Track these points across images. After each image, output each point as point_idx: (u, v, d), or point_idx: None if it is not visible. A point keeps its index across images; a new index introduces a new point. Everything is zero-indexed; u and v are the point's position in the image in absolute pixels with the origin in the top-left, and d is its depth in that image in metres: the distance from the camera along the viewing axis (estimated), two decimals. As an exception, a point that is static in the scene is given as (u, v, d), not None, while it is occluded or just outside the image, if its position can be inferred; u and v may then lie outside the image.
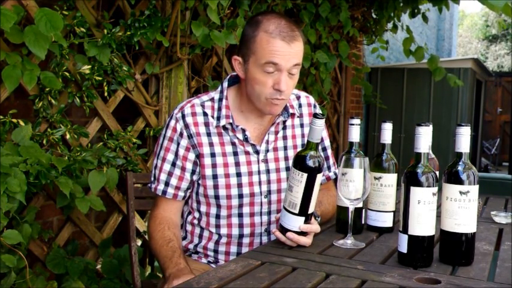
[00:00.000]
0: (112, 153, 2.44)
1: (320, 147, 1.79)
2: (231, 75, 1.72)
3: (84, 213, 2.41)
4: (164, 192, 1.66)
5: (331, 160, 1.84)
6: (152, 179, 1.69)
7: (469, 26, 24.03)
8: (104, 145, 2.55)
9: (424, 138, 1.32)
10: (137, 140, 2.69)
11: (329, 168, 1.83)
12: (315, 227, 1.46)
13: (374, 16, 4.38)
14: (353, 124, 1.62)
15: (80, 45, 2.42)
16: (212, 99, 1.67)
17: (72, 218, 2.51)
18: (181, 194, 1.67)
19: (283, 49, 1.51)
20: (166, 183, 1.65)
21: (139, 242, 2.82)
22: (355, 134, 1.61)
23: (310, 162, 1.40)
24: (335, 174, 1.83)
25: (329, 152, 1.82)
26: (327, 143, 1.83)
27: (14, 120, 2.14)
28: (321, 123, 1.41)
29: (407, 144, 6.21)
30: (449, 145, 6.06)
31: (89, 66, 2.38)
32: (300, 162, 1.41)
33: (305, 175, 1.39)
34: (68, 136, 2.33)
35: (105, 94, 2.53)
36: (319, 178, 1.42)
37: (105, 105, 2.58)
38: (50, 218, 2.57)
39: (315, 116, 1.40)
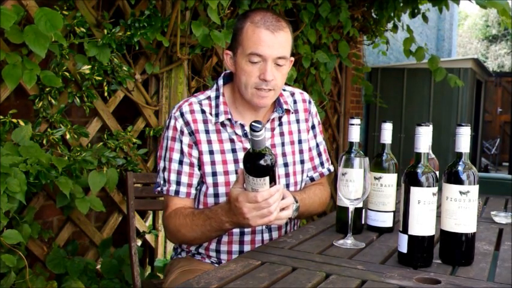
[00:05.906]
0: (112, 153, 2.45)
1: (313, 145, 1.80)
2: (225, 73, 1.73)
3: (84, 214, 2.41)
4: (177, 192, 1.64)
5: (324, 156, 1.84)
6: (162, 182, 1.66)
7: (469, 26, 24.02)
8: (104, 145, 2.55)
9: (424, 138, 1.32)
10: (137, 140, 2.69)
11: (322, 164, 1.83)
12: (279, 187, 1.41)
13: (374, 16, 4.37)
14: (353, 124, 1.62)
15: (80, 45, 2.42)
16: (209, 98, 1.69)
17: (72, 218, 2.51)
18: (193, 191, 1.65)
19: (267, 38, 1.55)
20: (178, 183, 1.64)
21: (139, 242, 2.82)
22: (355, 134, 1.61)
23: (262, 162, 1.34)
24: (328, 170, 1.84)
25: (321, 148, 1.83)
26: (319, 139, 1.83)
27: (14, 120, 2.14)
28: (258, 134, 1.31)
29: (407, 144, 6.21)
30: (449, 145, 6.05)
31: (89, 66, 2.37)
32: (256, 169, 1.35)
33: (267, 178, 1.36)
34: (68, 136, 2.33)
35: (105, 94, 2.53)
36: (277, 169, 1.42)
37: (105, 105, 2.57)
38: (50, 218, 2.57)
39: (251, 128, 1.30)
